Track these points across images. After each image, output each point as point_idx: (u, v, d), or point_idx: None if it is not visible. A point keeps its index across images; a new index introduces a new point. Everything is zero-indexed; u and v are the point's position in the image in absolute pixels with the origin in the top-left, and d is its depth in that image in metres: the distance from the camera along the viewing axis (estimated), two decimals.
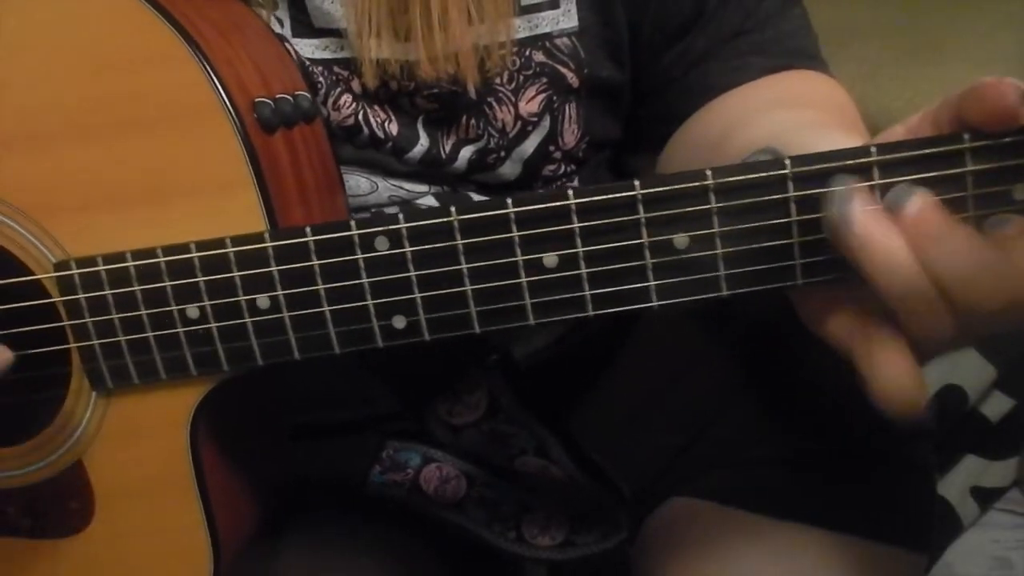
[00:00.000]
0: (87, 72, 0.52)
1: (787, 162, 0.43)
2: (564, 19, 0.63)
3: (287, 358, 0.51)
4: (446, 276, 0.47)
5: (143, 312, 0.51)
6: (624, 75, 0.65)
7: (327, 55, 0.63)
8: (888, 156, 0.42)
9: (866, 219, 0.41)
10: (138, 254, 0.51)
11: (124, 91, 0.52)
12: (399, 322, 0.49)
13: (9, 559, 0.59)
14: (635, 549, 0.72)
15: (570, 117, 0.65)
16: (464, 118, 0.64)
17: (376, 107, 0.64)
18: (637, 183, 0.45)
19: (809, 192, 0.43)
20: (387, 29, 0.60)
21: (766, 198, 0.44)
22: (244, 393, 0.57)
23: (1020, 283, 0.40)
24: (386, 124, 0.64)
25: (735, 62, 0.63)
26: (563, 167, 0.67)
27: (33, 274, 0.53)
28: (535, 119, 0.64)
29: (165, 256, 0.50)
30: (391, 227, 0.47)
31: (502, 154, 0.65)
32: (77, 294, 0.52)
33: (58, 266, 0.52)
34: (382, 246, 0.48)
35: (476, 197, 0.68)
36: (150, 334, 0.52)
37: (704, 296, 0.46)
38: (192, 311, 0.51)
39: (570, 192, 0.45)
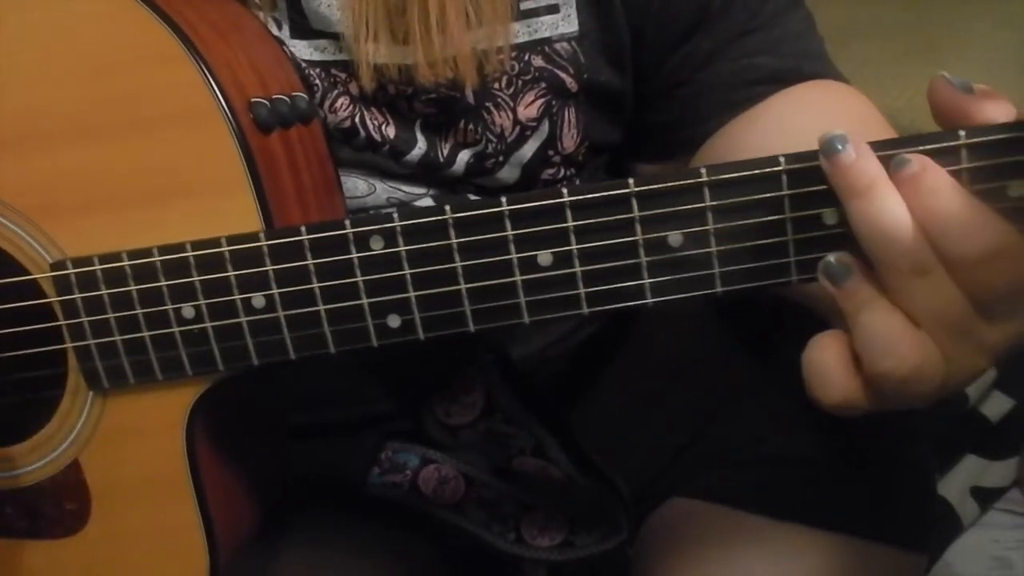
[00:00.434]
0: (85, 73, 0.52)
1: (781, 159, 0.43)
2: (564, 24, 0.62)
3: (282, 357, 0.51)
4: (440, 274, 0.47)
5: (139, 311, 0.51)
6: (625, 80, 0.65)
7: (324, 57, 0.63)
8: (885, 152, 0.42)
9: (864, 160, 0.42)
10: (134, 254, 0.51)
11: (121, 92, 0.52)
12: (394, 321, 0.49)
13: (6, 560, 0.59)
14: (635, 549, 0.72)
15: (569, 122, 0.65)
16: (462, 123, 0.63)
17: (373, 109, 0.64)
18: (631, 180, 0.45)
19: (804, 190, 0.43)
20: (384, 32, 0.59)
21: (760, 195, 0.44)
22: (241, 393, 0.57)
23: (1006, 232, 0.41)
24: (383, 127, 0.64)
25: (743, 62, 0.63)
26: (562, 171, 0.67)
27: (30, 274, 0.53)
28: (534, 124, 0.64)
29: (161, 255, 0.50)
30: (385, 225, 0.47)
31: (500, 159, 0.65)
32: (73, 294, 0.52)
33: (54, 266, 0.52)
34: (377, 245, 0.48)
35: (474, 200, 0.68)
36: (146, 334, 0.52)
37: (698, 293, 0.46)
38: (187, 311, 0.51)
39: (564, 190, 0.45)
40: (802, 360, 0.45)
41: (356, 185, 0.66)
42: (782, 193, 0.44)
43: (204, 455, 0.55)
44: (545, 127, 0.64)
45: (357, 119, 0.63)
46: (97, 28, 0.52)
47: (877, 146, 0.42)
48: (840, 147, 0.42)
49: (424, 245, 0.47)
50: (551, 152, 0.65)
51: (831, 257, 0.44)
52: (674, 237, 0.45)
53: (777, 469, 0.67)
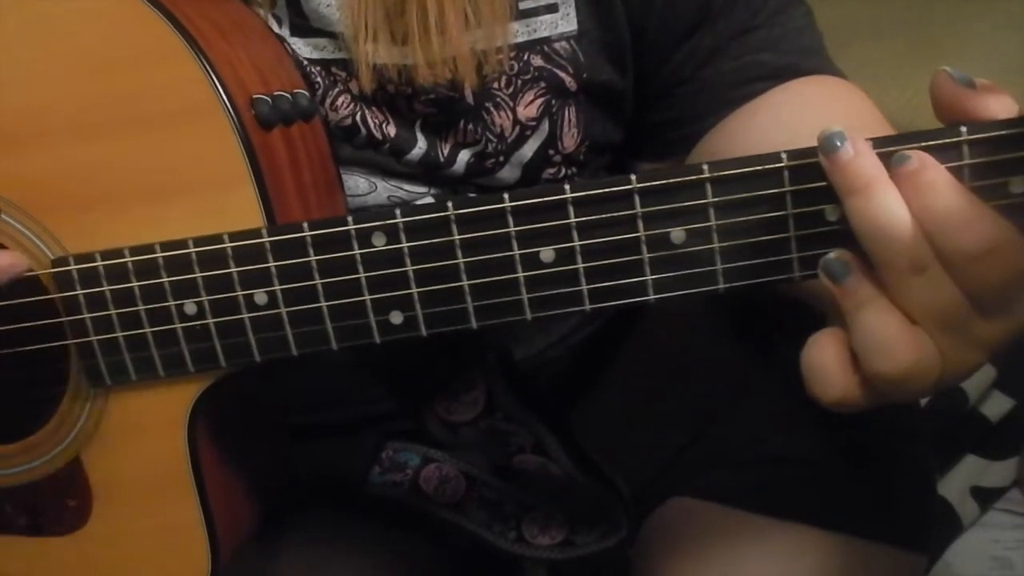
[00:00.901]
0: (86, 70, 0.52)
1: (783, 155, 0.43)
2: (563, 23, 0.62)
3: (284, 354, 0.51)
4: (443, 271, 0.47)
5: (141, 308, 0.51)
6: (625, 79, 0.65)
7: (325, 55, 0.63)
8: (886, 149, 0.42)
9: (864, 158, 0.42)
10: (136, 250, 0.51)
11: (123, 89, 0.52)
12: (396, 317, 0.49)
13: (7, 557, 0.59)
14: (635, 549, 0.72)
15: (569, 121, 0.65)
16: (462, 123, 0.63)
17: (374, 108, 0.64)
18: (633, 176, 0.45)
19: (806, 185, 0.43)
20: (384, 33, 0.59)
21: (763, 192, 0.44)
22: (243, 391, 0.57)
23: (1003, 228, 0.41)
24: (384, 125, 0.64)
25: (745, 59, 0.63)
26: (563, 170, 0.67)
27: (31, 271, 0.53)
28: (534, 123, 0.64)
29: (163, 252, 0.50)
30: (388, 222, 0.47)
31: (501, 158, 0.65)
32: (75, 290, 0.52)
33: (56, 262, 0.52)
34: (379, 241, 0.48)
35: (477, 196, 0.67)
36: (148, 330, 0.52)
37: (701, 290, 0.46)
38: (190, 307, 0.51)
39: (567, 186, 0.45)
40: (801, 359, 0.45)
41: (357, 183, 0.66)
42: (784, 189, 0.44)
43: (206, 453, 0.55)
44: (545, 126, 0.64)
45: (358, 117, 0.63)
46: (99, 25, 0.52)
47: (878, 142, 0.42)
48: (839, 144, 0.42)
49: (426, 241, 0.47)
50: (552, 152, 0.65)
51: (832, 254, 0.44)
52: (676, 233, 0.45)
53: (777, 469, 0.67)
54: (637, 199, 0.45)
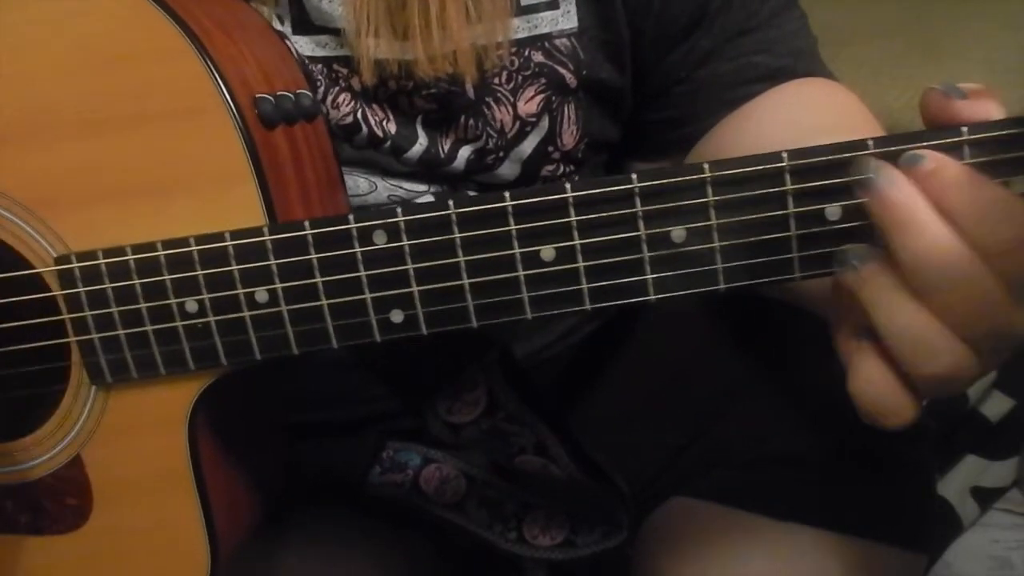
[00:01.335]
0: (89, 67, 0.52)
1: (784, 155, 0.43)
2: (563, 20, 0.63)
3: (285, 352, 0.51)
4: (443, 270, 0.47)
5: (142, 306, 0.51)
6: (624, 77, 0.66)
7: (326, 53, 0.63)
8: (886, 148, 0.42)
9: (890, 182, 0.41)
10: (138, 248, 0.51)
11: (126, 86, 0.52)
12: (396, 316, 0.49)
13: (7, 555, 0.59)
14: (635, 549, 0.72)
15: (569, 118, 0.65)
16: (462, 118, 0.64)
17: (375, 106, 0.64)
18: (634, 176, 0.45)
19: (806, 185, 0.43)
20: (385, 28, 0.60)
21: (763, 191, 0.44)
22: (243, 389, 0.57)
23: None
24: (384, 123, 0.64)
25: (741, 61, 0.63)
26: (562, 168, 0.67)
27: (33, 268, 0.53)
28: (533, 119, 0.64)
29: (164, 250, 0.50)
30: (389, 220, 0.47)
31: (500, 154, 0.65)
32: (77, 288, 0.52)
33: (58, 260, 0.52)
34: (380, 240, 0.48)
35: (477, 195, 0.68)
36: (149, 328, 0.52)
37: (701, 289, 0.46)
38: (191, 305, 0.51)
39: (567, 185, 0.45)
40: (851, 394, 0.44)
41: (357, 183, 0.66)
42: (785, 188, 0.44)
43: (206, 451, 0.55)
44: (545, 123, 0.65)
45: (359, 115, 0.64)
46: (102, 23, 0.52)
47: (879, 143, 0.42)
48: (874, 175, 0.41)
49: (427, 240, 0.47)
50: (551, 148, 0.66)
51: (846, 246, 0.43)
52: (677, 233, 0.45)
53: (778, 469, 0.67)
54: (638, 198, 0.45)
